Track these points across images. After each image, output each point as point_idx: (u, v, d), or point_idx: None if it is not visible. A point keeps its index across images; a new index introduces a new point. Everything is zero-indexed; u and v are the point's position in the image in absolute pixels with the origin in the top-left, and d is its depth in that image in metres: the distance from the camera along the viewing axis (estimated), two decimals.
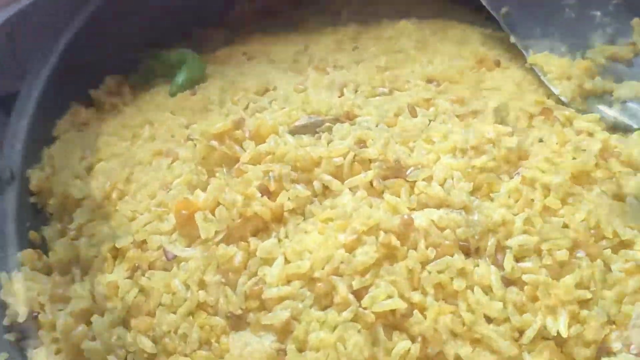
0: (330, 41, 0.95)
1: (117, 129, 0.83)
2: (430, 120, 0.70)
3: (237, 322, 0.57)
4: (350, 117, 0.70)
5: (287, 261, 0.57)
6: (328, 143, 0.65)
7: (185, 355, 0.57)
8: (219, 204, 0.62)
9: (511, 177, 0.63)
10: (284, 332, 0.55)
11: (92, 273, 0.66)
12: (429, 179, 0.61)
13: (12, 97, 0.96)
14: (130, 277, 0.62)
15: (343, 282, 0.55)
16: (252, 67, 0.93)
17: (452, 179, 0.61)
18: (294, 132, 0.68)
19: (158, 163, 0.72)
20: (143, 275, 0.61)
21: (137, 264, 0.62)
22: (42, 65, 0.91)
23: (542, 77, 0.81)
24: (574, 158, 0.64)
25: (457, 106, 0.73)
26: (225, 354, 0.56)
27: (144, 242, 0.64)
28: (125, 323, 0.61)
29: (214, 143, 0.67)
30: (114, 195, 0.71)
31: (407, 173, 0.61)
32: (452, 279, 0.55)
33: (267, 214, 0.60)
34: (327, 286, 0.55)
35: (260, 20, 1.10)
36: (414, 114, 0.70)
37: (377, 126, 0.68)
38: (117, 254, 0.65)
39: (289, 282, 0.57)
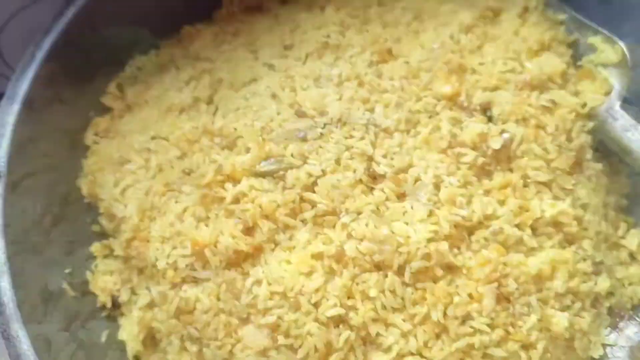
0: (317, 37, 1.08)
1: (130, 154, 1.04)
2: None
3: (245, 321, 0.90)
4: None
5: (269, 284, 0.88)
6: (283, 190, 0.91)
7: (216, 340, 0.91)
8: (218, 241, 0.92)
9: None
10: (274, 328, 0.87)
11: (145, 278, 1.00)
12: (356, 219, 0.89)
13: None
14: (172, 289, 0.94)
15: (304, 298, 0.87)
16: (239, 63, 1.10)
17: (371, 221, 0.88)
18: (258, 175, 0.93)
19: (168, 195, 0.98)
20: (180, 289, 0.94)
21: (175, 282, 0.94)
22: (29, 62, 1.00)
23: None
24: None
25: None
26: (241, 340, 0.89)
27: (175, 262, 0.95)
28: (176, 316, 0.95)
29: (205, 190, 0.94)
30: (146, 220, 0.99)
31: (340, 216, 0.89)
32: (370, 288, 0.87)
33: (251, 249, 0.90)
34: (295, 301, 0.87)
35: (249, 16, 1.19)
36: None
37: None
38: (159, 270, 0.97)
39: (272, 297, 0.88)
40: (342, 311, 0.86)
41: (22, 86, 0.99)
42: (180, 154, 1.01)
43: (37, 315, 0.91)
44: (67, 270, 1.01)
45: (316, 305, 0.87)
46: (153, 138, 1.05)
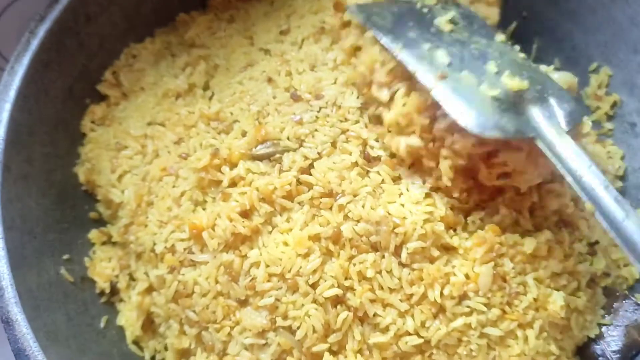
0: (313, 21, 1.08)
1: (127, 140, 1.05)
2: None
3: (243, 303, 0.91)
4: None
5: (267, 266, 0.88)
6: (279, 172, 0.92)
7: (215, 322, 0.91)
8: (216, 224, 0.92)
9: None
10: (272, 310, 0.88)
11: (144, 262, 1.00)
12: (352, 201, 0.89)
13: None
14: (171, 273, 0.95)
15: (302, 279, 0.87)
16: (235, 49, 1.10)
17: (367, 202, 0.89)
18: (254, 158, 0.94)
19: (166, 180, 0.98)
20: (178, 273, 0.94)
21: (173, 265, 0.95)
22: (24, 50, 1.00)
23: None
24: None
25: None
26: (240, 322, 0.90)
27: (173, 246, 0.96)
28: (174, 300, 0.96)
29: (202, 174, 0.95)
30: (143, 205, 0.99)
31: (337, 198, 0.90)
32: (367, 268, 0.87)
33: (248, 231, 0.91)
34: (293, 282, 0.88)
35: (243, 2, 1.20)
36: None
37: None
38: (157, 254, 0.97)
39: (270, 279, 0.89)
40: (339, 292, 0.87)
41: (18, 74, 0.98)
42: (176, 139, 1.02)
43: (35, 300, 0.91)
44: (65, 257, 1.01)
45: (314, 286, 0.87)
46: (149, 124, 1.06)
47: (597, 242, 0.97)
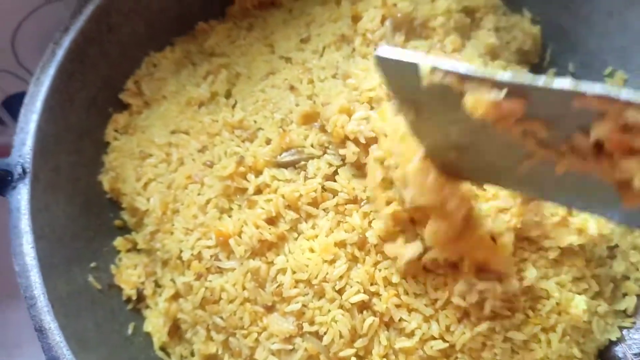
0: (333, 29, 1.09)
1: (152, 148, 1.06)
2: None
3: (270, 309, 0.92)
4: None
5: (293, 272, 0.90)
6: (304, 179, 0.93)
7: (243, 328, 0.93)
8: (242, 231, 0.94)
9: None
10: (299, 315, 0.89)
11: (170, 269, 1.02)
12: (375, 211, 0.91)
13: (13, 98, 1.13)
14: (198, 280, 0.96)
15: (329, 285, 0.89)
16: (255, 57, 1.12)
17: None
18: (279, 165, 0.95)
19: (191, 188, 1.00)
20: (205, 279, 0.96)
21: (200, 272, 0.96)
22: (50, 60, 1.01)
23: None
24: None
25: None
26: (267, 328, 0.91)
27: (199, 253, 0.97)
28: (201, 307, 0.97)
29: (228, 182, 0.96)
30: (169, 212, 1.01)
31: (361, 205, 0.91)
32: (392, 274, 0.89)
33: (274, 238, 0.92)
34: (320, 288, 0.89)
35: (262, 10, 1.21)
36: None
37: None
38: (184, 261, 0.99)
39: (297, 285, 0.90)
40: (365, 297, 0.88)
41: (45, 84, 1.00)
42: (200, 147, 1.03)
43: (65, 308, 0.92)
44: (92, 265, 1.03)
45: (340, 292, 0.89)
46: (173, 132, 1.07)
47: (616, 246, 0.98)
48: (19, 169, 0.93)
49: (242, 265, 0.93)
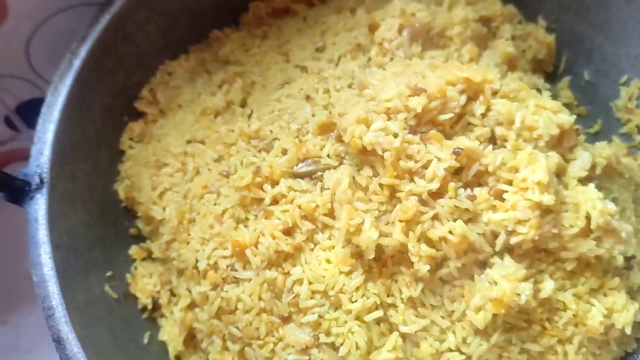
0: (349, 38, 1.09)
1: (167, 158, 1.07)
2: None
3: (286, 320, 0.92)
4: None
5: (310, 283, 0.90)
6: (321, 190, 0.93)
7: (258, 339, 0.93)
8: (259, 241, 0.94)
9: None
10: (315, 326, 0.89)
11: (186, 279, 1.02)
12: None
13: (27, 104, 1.14)
14: (214, 290, 0.96)
15: (345, 296, 0.88)
16: (270, 66, 1.12)
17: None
18: (296, 175, 0.95)
19: (207, 198, 1.00)
20: (222, 289, 0.96)
21: (216, 282, 0.96)
22: (67, 70, 1.03)
23: None
24: None
25: None
26: (283, 339, 0.91)
27: (216, 263, 0.97)
28: (217, 316, 0.97)
29: (244, 192, 0.96)
30: (185, 222, 1.01)
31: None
32: (409, 285, 0.88)
33: (291, 249, 0.92)
34: (336, 299, 0.89)
35: (276, 19, 1.22)
36: None
37: None
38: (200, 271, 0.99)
39: (313, 296, 0.90)
40: (380, 314, 0.88)
41: (62, 94, 1.01)
42: (217, 157, 1.03)
43: (82, 318, 0.92)
44: (108, 274, 1.03)
45: (357, 303, 0.88)
46: (189, 142, 1.07)
47: (633, 257, 0.97)
48: (36, 179, 0.94)
49: (258, 276, 0.93)
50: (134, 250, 1.08)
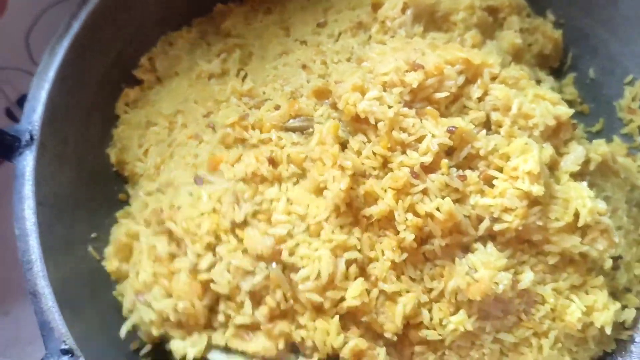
0: (351, 16, 1.07)
1: (158, 118, 1.06)
2: None
3: (240, 225, 0.85)
4: None
5: (290, 202, 0.85)
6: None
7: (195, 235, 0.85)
8: (238, 161, 0.89)
9: None
10: (280, 240, 0.83)
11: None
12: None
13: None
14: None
15: (327, 228, 0.83)
16: (270, 39, 1.11)
17: None
18: (287, 129, 0.92)
19: (190, 144, 0.98)
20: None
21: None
22: (64, 32, 1.01)
23: None
24: None
25: None
26: (241, 240, 0.84)
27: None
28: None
29: (229, 130, 0.93)
30: (162, 166, 1.00)
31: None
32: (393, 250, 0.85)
33: (270, 175, 0.87)
34: (317, 227, 0.84)
35: None
36: None
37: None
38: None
39: (290, 214, 0.85)
40: (359, 256, 0.84)
41: (58, 55, 1.00)
42: (206, 112, 1.02)
43: (61, 274, 0.92)
44: (92, 235, 1.03)
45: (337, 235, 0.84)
46: (181, 103, 1.07)
47: (620, 257, 0.96)
48: (27, 136, 0.94)
49: (226, 184, 0.88)
50: (120, 213, 1.08)
